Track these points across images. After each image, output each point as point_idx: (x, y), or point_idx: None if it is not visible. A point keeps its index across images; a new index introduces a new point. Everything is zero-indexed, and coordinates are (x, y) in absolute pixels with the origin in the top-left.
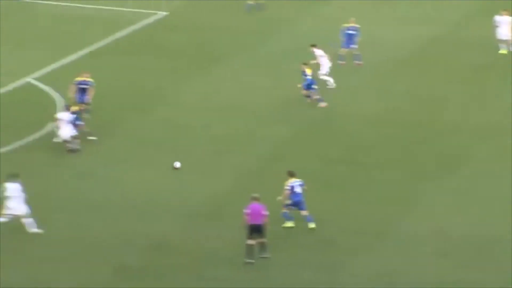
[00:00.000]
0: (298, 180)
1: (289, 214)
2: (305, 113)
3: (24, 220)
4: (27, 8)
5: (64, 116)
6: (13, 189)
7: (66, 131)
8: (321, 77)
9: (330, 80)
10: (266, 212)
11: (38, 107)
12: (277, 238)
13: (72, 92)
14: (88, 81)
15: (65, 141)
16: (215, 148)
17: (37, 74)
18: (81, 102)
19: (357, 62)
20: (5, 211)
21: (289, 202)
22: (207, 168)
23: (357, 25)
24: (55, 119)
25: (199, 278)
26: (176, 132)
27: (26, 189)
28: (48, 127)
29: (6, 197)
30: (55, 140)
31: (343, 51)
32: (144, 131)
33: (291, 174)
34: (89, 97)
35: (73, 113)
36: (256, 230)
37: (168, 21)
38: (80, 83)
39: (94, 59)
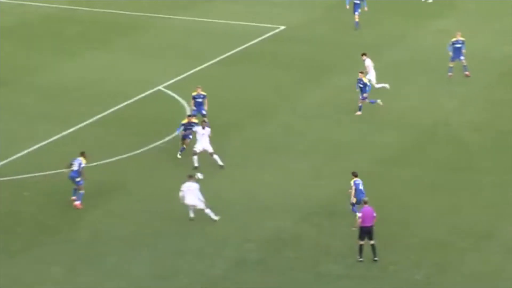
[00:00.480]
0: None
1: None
2: (416, 120)
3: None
4: (162, 23)
5: (198, 129)
6: (188, 186)
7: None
8: (376, 85)
9: (385, 85)
10: (375, 214)
11: (168, 114)
12: (387, 240)
13: (191, 105)
14: (202, 94)
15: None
16: (329, 152)
17: (168, 82)
18: (199, 113)
19: (466, 73)
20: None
21: (354, 200)
22: (321, 170)
23: (463, 39)
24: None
25: (315, 273)
26: (293, 137)
27: (156, 188)
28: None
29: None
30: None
31: (451, 63)
32: (263, 136)
33: (355, 175)
34: (205, 107)
35: (184, 125)
36: (367, 232)
37: (285, 34)
38: (195, 97)
39: (220, 69)
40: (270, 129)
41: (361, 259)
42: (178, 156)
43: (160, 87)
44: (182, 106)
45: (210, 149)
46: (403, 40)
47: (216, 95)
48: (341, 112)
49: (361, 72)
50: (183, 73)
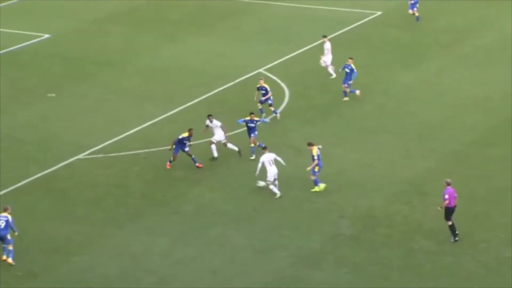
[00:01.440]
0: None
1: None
2: (503, 103)
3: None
4: (264, 8)
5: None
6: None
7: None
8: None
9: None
10: (456, 195)
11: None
12: (478, 218)
13: (256, 97)
14: (263, 87)
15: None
16: (420, 133)
17: (268, 65)
18: (261, 103)
19: None
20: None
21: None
22: (411, 150)
23: None
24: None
25: (407, 249)
26: (385, 119)
27: (255, 165)
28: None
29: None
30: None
31: None
32: (358, 117)
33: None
34: (264, 98)
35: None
36: (452, 212)
37: (381, 20)
38: (259, 88)
39: (318, 53)
40: (364, 110)
41: (455, 239)
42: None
43: (261, 70)
44: (281, 88)
45: (223, 139)
46: (493, 24)
47: (315, 77)
48: (430, 94)
49: (351, 58)
50: (283, 57)
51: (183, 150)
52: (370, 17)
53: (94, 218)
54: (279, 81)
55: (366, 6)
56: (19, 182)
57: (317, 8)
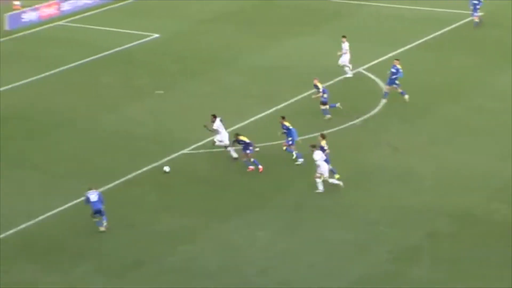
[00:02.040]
0: None
1: None
2: None
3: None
4: (365, 9)
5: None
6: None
7: None
8: (346, 66)
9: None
10: None
11: (367, 94)
12: None
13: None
14: (317, 85)
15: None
16: None
17: (368, 65)
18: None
19: None
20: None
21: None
22: (508, 150)
23: None
24: None
25: (506, 247)
26: (482, 119)
27: (356, 163)
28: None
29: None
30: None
31: None
32: (456, 117)
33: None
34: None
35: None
36: None
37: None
38: (315, 86)
39: (416, 53)
40: (462, 110)
41: None
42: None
43: (360, 69)
44: (379, 87)
45: (227, 141)
46: None
47: (413, 77)
48: None
49: (397, 59)
50: (381, 57)
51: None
52: (469, 18)
53: (197, 210)
54: (377, 80)
55: (465, 7)
56: (129, 174)
57: (417, 9)
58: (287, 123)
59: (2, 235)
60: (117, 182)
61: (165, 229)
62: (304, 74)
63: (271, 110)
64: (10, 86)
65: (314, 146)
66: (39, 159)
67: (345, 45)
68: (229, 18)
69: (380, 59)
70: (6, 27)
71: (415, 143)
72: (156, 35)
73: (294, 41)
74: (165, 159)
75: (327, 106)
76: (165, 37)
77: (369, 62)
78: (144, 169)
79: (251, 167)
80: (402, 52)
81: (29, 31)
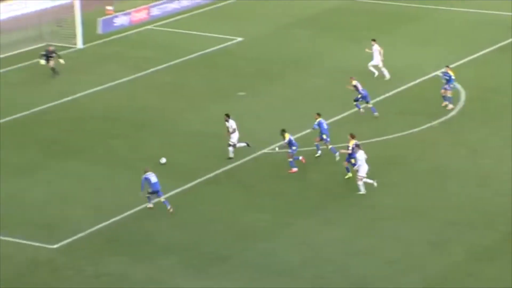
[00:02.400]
0: None
1: None
2: None
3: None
4: (441, 14)
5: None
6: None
7: None
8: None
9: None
10: None
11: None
12: None
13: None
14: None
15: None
16: None
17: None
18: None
19: None
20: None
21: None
22: None
23: None
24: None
25: None
26: None
27: (431, 163)
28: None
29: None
30: None
31: None
32: None
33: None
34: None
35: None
36: None
37: None
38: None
39: (494, 57)
40: None
41: None
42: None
43: (438, 73)
44: (458, 90)
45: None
46: None
47: (491, 81)
48: None
49: (447, 66)
50: (459, 60)
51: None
52: None
53: (277, 208)
54: (455, 83)
55: None
56: (212, 172)
57: (490, 13)
58: (320, 119)
59: (93, 228)
60: (199, 180)
61: (246, 225)
62: (380, 76)
63: (350, 112)
64: (102, 87)
65: (358, 146)
66: (127, 156)
67: (375, 48)
68: (309, 22)
69: (458, 63)
70: (99, 30)
71: (493, 145)
72: (239, 39)
73: (370, 45)
74: (246, 158)
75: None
76: (248, 40)
77: (448, 65)
78: (226, 168)
79: (294, 169)
80: (480, 55)
81: (120, 35)
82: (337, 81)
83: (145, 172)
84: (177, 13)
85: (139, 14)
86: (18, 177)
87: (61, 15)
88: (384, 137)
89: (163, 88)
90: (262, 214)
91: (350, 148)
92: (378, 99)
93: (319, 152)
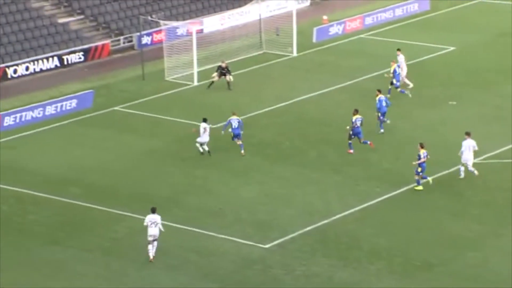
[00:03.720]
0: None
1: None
2: None
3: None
4: None
5: None
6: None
7: None
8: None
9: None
10: None
11: None
12: None
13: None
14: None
15: None
16: None
17: None
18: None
19: None
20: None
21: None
22: None
23: None
24: None
25: None
26: None
27: None
28: None
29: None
30: None
31: None
32: None
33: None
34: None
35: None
36: None
37: None
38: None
39: None
40: None
41: None
42: None
43: None
44: None
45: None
46: None
47: None
48: None
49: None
50: None
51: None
52: None
53: (486, 218)
54: None
55: None
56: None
57: None
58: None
59: (303, 230)
60: (406, 187)
61: (454, 233)
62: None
63: None
64: (314, 93)
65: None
66: (336, 161)
67: (400, 58)
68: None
69: None
70: (314, 39)
71: None
72: (452, 48)
73: None
74: (455, 168)
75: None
76: (460, 49)
77: None
78: (434, 176)
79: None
80: None
81: (333, 43)
82: None
83: (232, 114)
84: (390, 22)
85: (353, 23)
86: (233, 177)
87: (279, 25)
88: None
89: (371, 96)
90: (470, 223)
91: (422, 157)
92: None
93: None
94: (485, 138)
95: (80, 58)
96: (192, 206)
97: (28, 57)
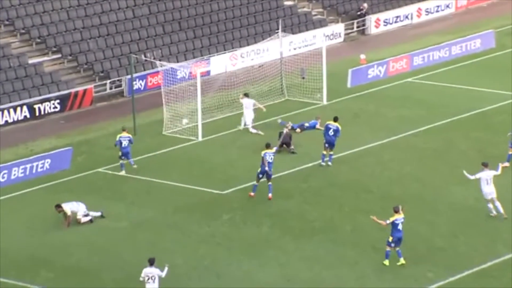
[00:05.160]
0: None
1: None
2: None
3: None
4: None
5: None
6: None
7: None
8: None
9: None
10: None
11: None
12: None
13: None
14: None
15: None
16: None
17: None
18: None
19: None
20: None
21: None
22: None
23: None
24: None
25: None
26: None
27: None
28: None
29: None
30: None
31: None
32: None
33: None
34: None
35: None
36: None
37: None
38: None
39: None
40: None
41: None
42: None
43: None
44: None
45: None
46: None
47: None
48: None
49: None
50: None
51: None
52: None
53: None
54: None
55: None
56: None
57: None
58: None
59: None
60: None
61: None
62: None
63: None
64: (349, 151)
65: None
66: (376, 237)
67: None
68: None
69: None
70: (349, 84)
71: None
72: None
73: None
74: None
75: None
76: None
77: None
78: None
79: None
80: None
81: (373, 89)
82: None
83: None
84: (444, 63)
85: (398, 64)
86: (246, 256)
87: (305, 65)
88: None
89: (426, 153)
90: None
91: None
92: None
93: None
94: None
95: (55, 107)
96: None
97: None
